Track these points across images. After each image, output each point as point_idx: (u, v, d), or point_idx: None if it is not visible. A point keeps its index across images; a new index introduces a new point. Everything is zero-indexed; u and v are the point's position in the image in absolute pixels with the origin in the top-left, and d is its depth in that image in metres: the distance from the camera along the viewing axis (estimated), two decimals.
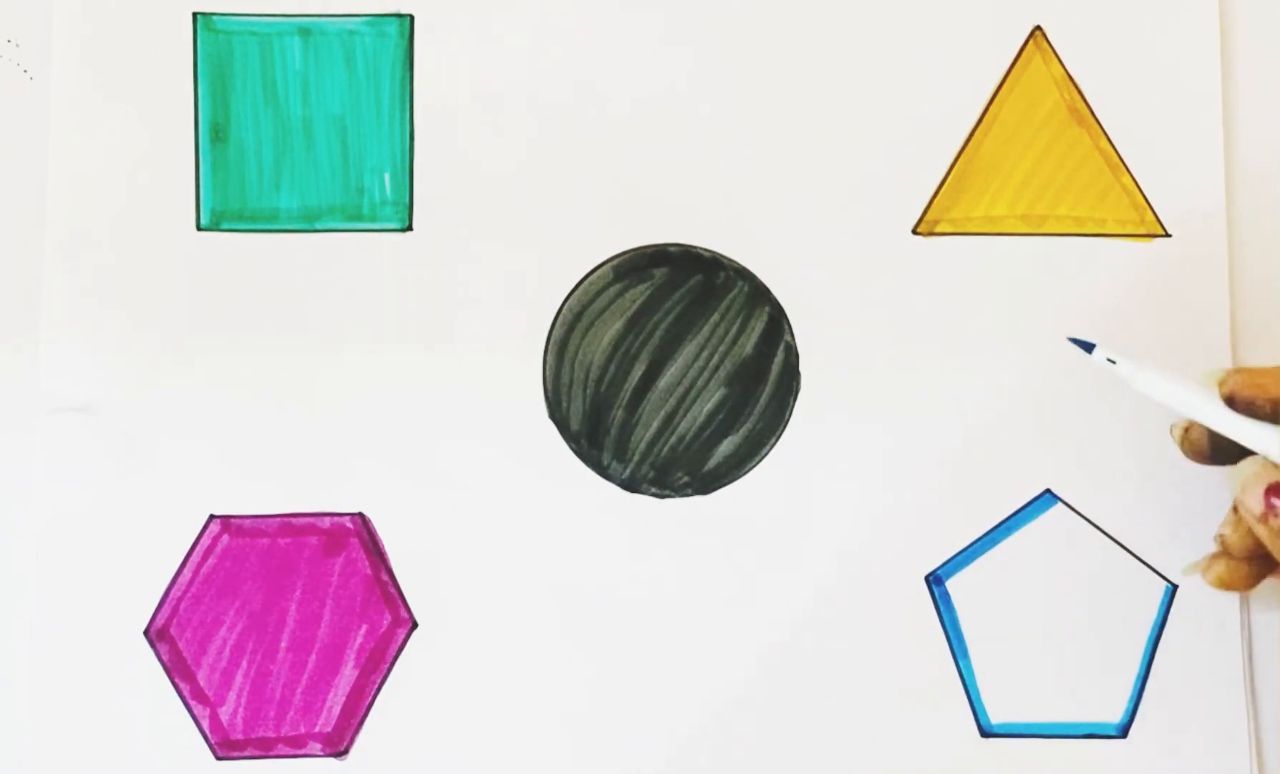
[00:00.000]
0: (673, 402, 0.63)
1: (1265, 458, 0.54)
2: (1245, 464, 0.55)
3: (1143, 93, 0.65)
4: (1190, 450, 0.58)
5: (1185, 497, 0.63)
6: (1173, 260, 0.64)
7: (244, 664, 0.61)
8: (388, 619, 0.61)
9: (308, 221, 0.63)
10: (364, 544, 0.62)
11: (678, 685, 0.61)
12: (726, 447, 0.63)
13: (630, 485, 0.62)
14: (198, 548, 0.61)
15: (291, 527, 0.62)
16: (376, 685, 0.61)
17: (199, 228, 0.63)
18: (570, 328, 0.63)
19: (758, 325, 0.63)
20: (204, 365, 0.62)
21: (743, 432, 0.63)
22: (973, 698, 0.62)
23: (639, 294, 0.63)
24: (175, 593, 0.61)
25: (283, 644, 0.61)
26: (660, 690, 0.61)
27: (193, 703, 0.61)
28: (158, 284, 0.62)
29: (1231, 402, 0.55)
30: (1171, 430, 0.59)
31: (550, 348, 0.63)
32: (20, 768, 0.60)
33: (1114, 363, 0.58)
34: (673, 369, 0.63)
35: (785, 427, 0.63)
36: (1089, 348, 0.58)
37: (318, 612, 0.61)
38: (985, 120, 0.64)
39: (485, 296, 0.63)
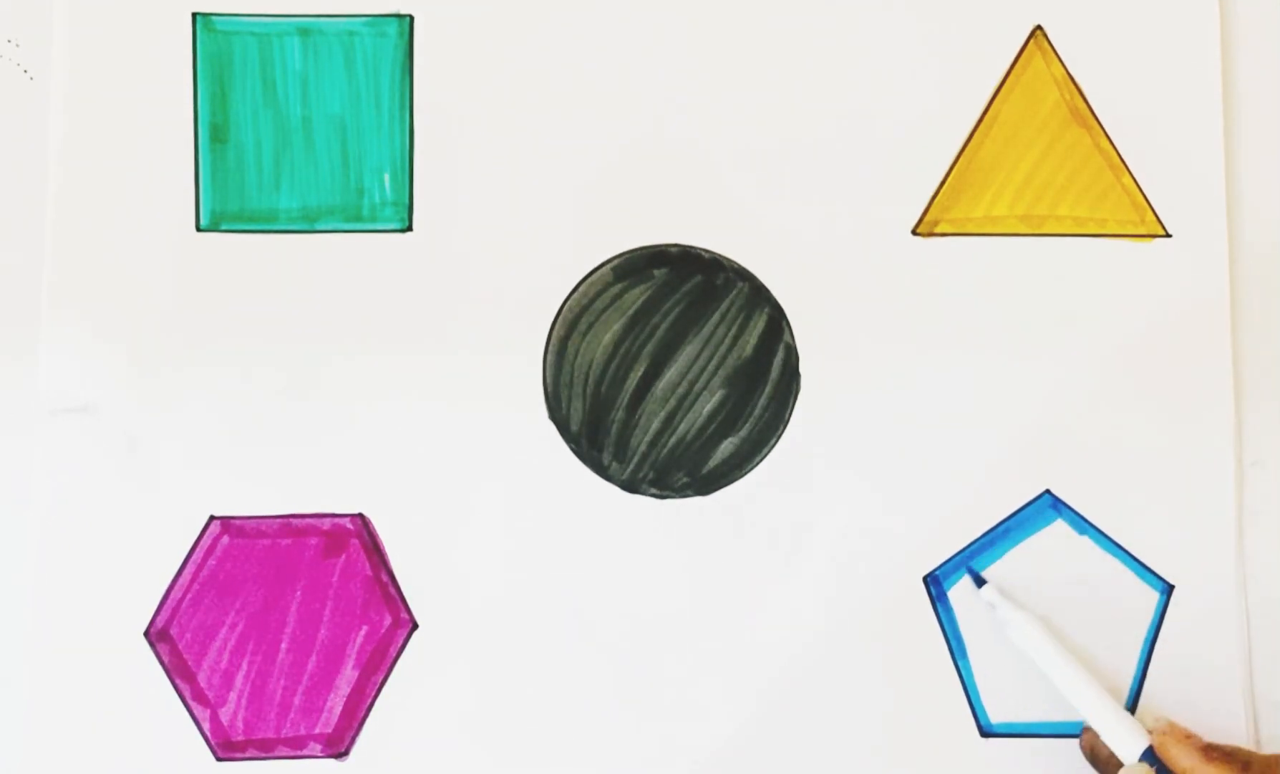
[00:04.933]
0: (673, 402, 0.63)
1: (1146, 767, 0.57)
2: (1127, 770, 0.57)
3: (1143, 93, 0.65)
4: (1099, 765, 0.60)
5: (1185, 497, 0.63)
6: (1173, 260, 0.64)
7: (244, 665, 0.61)
8: (388, 620, 0.61)
9: (308, 222, 0.63)
10: (364, 545, 0.62)
11: (678, 685, 0.62)
12: (726, 447, 0.63)
13: (630, 486, 0.62)
14: (198, 549, 0.61)
15: (292, 527, 0.62)
16: (377, 686, 0.61)
17: (199, 228, 0.63)
18: (570, 329, 0.63)
19: (758, 326, 0.63)
20: (204, 366, 0.62)
21: (743, 432, 0.63)
22: (972, 698, 0.62)
23: (639, 295, 0.63)
24: (176, 594, 0.61)
25: (283, 645, 0.61)
26: (660, 690, 0.61)
27: (193, 704, 0.61)
28: (158, 284, 0.62)
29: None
30: (1081, 745, 0.61)
31: (550, 348, 0.63)
32: (20, 768, 0.60)
33: (994, 607, 0.61)
34: (673, 370, 0.63)
35: (785, 426, 0.63)
36: (980, 581, 0.62)
37: (318, 613, 0.61)
38: (985, 120, 0.64)
39: (485, 297, 0.63)
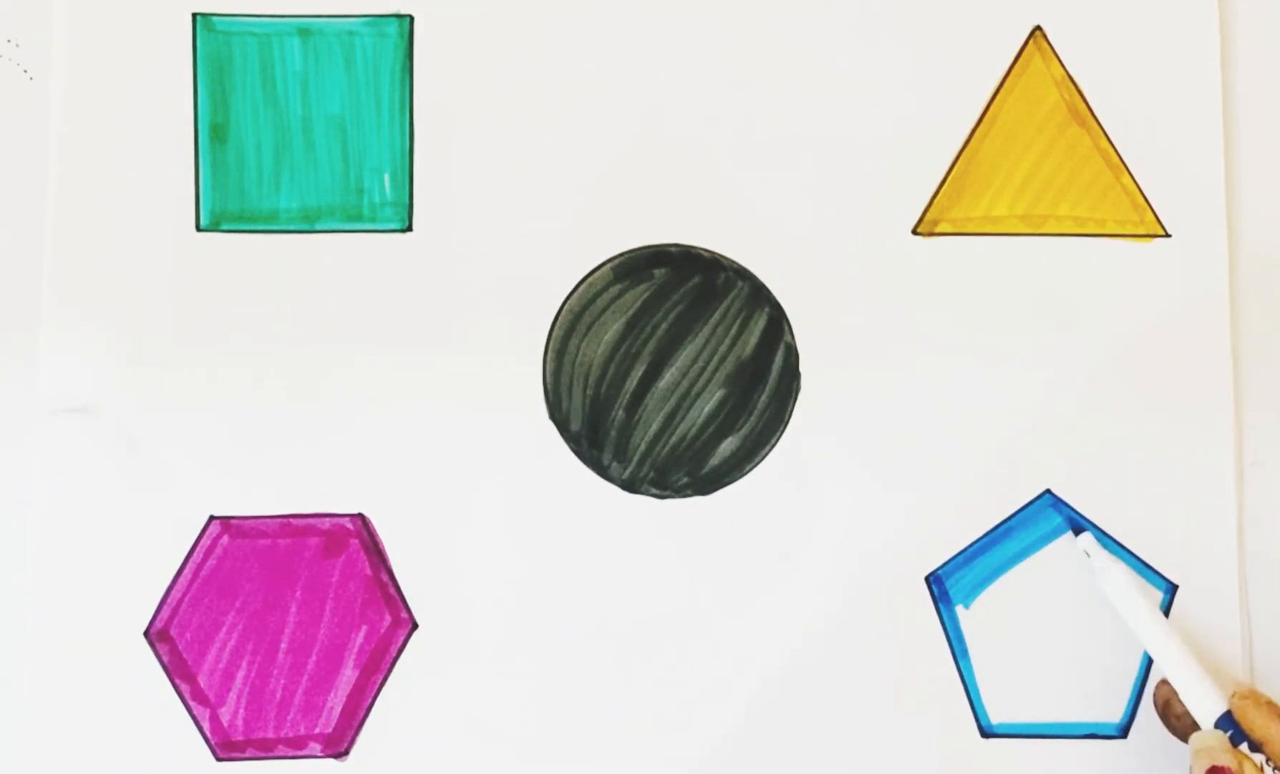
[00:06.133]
0: (673, 402, 0.63)
1: (1220, 734, 0.56)
2: (1200, 736, 0.57)
3: (1143, 93, 0.65)
4: (1174, 726, 0.60)
5: (1185, 497, 0.63)
6: (1173, 260, 0.64)
7: (244, 665, 0.61)
8: (388, 620, 0.61)
9: (308, 222, 0.63)
10: (364, 545, 0.62)
11: (678, 685, 0.62)
12: (726, 447, 0.63)
13: (630, 486, 0.62)
14: (198, 549, 0.61)
15: (291, 527, 0.62)
16: (377, 686, 0.61)
17: (199, 228, 0.63)
18: (570, 329, 0.63)
19: (758, 325, 0.63)
20: (204, 366, 0.62)
21: (743, 432, 0.63)
22: (973, 698, 0.62)
23: (639, 295, 0.63)
24: (175, 594, 0.61)
25: (283, 645, 0.61)
26: (660, 690, 0.61)
27: (193, 704, 0.61)
28: (158, 284, 0.62)
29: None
30: (1155, 699, 0.61)
31: (550, 349, 0.63)
32: (20, 768, 0.60)
33: (1089, 555, 0.61)
34: (673, 370, 0.63)
35: (785, 427, 0.63)
36: (1078, 530, 0.62)
37: (318, 612, 0.61)
38: (985, 120, 0.64)
39: (485, 297, 0.63)
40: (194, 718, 0.61)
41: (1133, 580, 0.60)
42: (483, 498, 0.62)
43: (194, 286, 0.62)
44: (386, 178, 0.63)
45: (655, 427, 0.63)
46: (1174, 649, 0.59)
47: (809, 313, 0.63)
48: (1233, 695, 0.57)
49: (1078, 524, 0.62)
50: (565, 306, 0.63)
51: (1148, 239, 0.64)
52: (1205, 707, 0.57)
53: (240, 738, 0.61)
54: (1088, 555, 0.61)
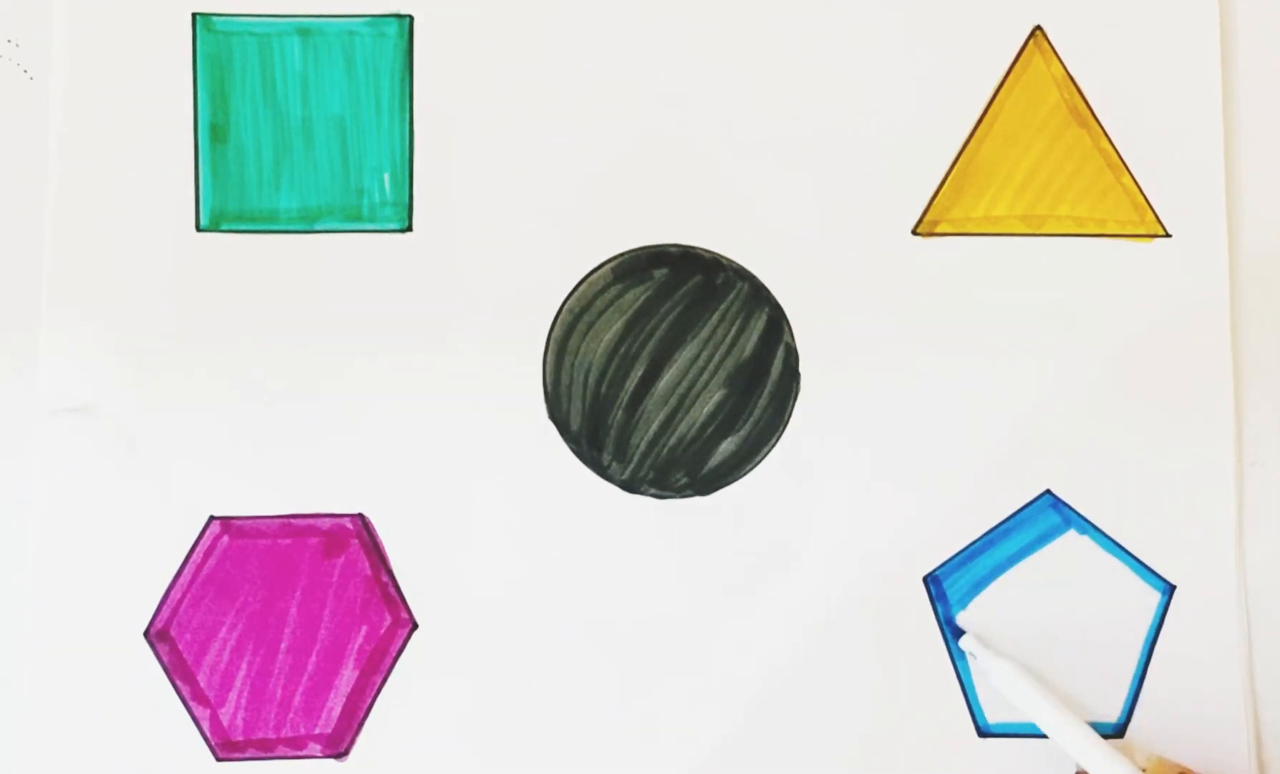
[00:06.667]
0: (672, 402, 0.63)
1: None
2: None
3: (1143, 93, 0.65)
4: None
5: (1185, 497, 0.63)
6: (1173, 260, 0.64)
7: (244, 665, 0.61)
8: (388, 620, 0.61)
9: (307, 222, 0.63)
10: (364, 545, 0.62)
11: (677, 686, 0.62)
12: (726, 447, 0.63)
13: (630, 486, 0.62)
14: (198, 549, 0.61)
15: (291, 527, 0.62)
16: (377, 687, 0.61)
17: (199, 228, 0.63)
18: (570, 329, 0.63)
19: (758, 326, 0.63)
20: (204, 366, 0.62)
21: (743, 432, 0.63)
22: (970, 698, 0.62)
23: (638, 295, 0.63)
24: (175, 594, 0.61)
25: (283, 645, 0.61)
26: (660, 691, 0.62)
27: (193, 704, 0.61)
28: (158, 284, 0.62)
29: None
30: None
31: (550, 348, 0.63)
32: (20, 768, 0.60)
33: (974, 656, 0.61)
34: (672, 370, 0.63)
35: (785, 426, 0.63)
36: (958, 633, 0.61)
37: (318, 613, 0.61)
38: (985, 120, 0.64)
39: (485, 297, 0.63)
40: (194, 718, 0.61)
41: (1024, 673, 0.60)
42: (483, 498, 0.62)
43: (194, 286, 0.62)
44: (386, 178, 0.63)
45: (655, 427, 0.63)
46: (1078, 733, 0.58)
47: (809, 313, 0.64)
48: (1144, 771, 0.57)
49: (958, 628, 0.62)
50: (565, 306, 0.63)
51: (1148, 239, 0.64)
52: None
53: (240, 738, 0.61)
54: (973, 657, 0.61)
